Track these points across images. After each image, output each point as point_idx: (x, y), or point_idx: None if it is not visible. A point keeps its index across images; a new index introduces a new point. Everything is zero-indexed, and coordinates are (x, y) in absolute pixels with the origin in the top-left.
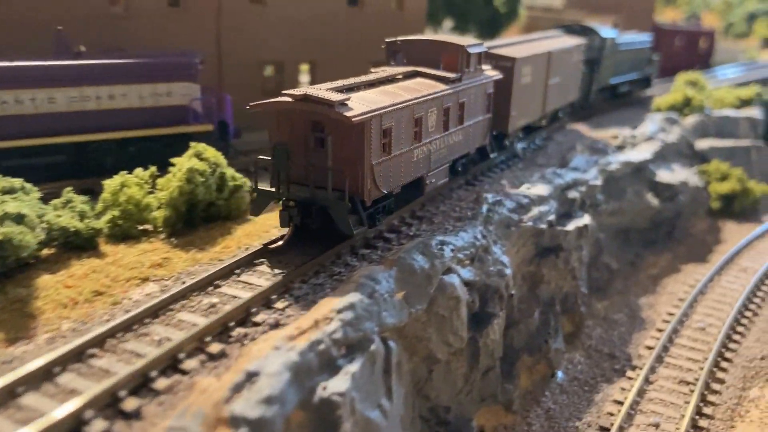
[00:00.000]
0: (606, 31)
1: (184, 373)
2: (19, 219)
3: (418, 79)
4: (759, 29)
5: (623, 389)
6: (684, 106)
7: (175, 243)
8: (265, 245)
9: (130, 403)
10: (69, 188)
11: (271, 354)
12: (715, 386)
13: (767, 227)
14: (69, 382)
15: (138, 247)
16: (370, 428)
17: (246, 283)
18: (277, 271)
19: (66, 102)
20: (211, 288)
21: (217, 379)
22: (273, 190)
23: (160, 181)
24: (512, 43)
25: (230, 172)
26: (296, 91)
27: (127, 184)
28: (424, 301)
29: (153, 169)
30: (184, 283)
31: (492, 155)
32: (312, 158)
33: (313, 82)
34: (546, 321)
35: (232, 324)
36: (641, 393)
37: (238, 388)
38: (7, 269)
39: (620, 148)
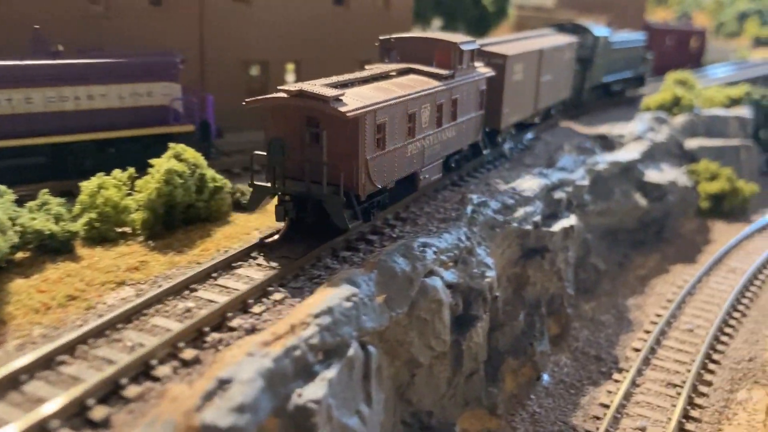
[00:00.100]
0: (599, 29)
1: (155, 380)
2: None
3: (412, 76)
4: (750, 28)
5: (609, 392)
6: (673, 106)
7: (153, 246)
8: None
9: (98, 412)
10: (45, 190)
11: (244, 360)
12: (703, 389)
13: (756, 227)
14: (36, 391)
15: (115, 250)
16: None
17: (223, 286)
18: (255, 274)
19: (43, 102)
20: (187, 292)
21: (189, 386)
22: (269, 185)
23: (138, 182)
24: (504, 41)
25: (210, 173)
26: (291, 87)
27: (104, 186)
28: (405, 305)
29: (131, 170)
30: (160, 286)
31: (485, 152)
32: (307, 153)
33: (298, 80)
34: (531, 323)
35: (207, 329)
36: (628, 396)
37: (209, 396)
38: None
39: (604, 138)
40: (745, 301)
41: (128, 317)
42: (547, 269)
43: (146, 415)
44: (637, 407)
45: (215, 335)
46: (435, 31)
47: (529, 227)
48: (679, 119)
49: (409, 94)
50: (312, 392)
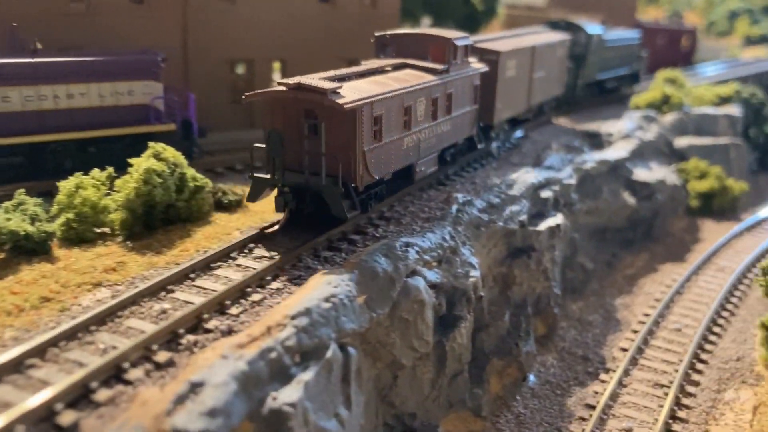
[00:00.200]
0: (592, 27)
1: (127, 383)
2: None
3: (407, 71)
4: (740, 27)
5: (596, 393)
6: (663, 104)
7: (131, 246)
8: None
9: (66, 417)
10: (21, 190)
11: (217, 363)
12: (690, 389)
13: (745, 225)
14: (4, 395)
15: (93, 251)
16: None
17: (200, 287)
18: (232, 275)
19: (21, 101)
20: (163, 293)
21: (160, 390)
22: (268, 176)
23: (117, 182)
24: (498, 38)
25: (191, 172)
26: (290, 80)
27: (82, 186)
28: (386, 305)
29: (110, 170)
30: (136, 288)
31: (479, 146)
32: (306, 145)
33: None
34: (517, 323)
35: (182, 331)
36: (614, 397)
37: (180, 400)
38: None
39: (592, 136)
40: (733, 300)
41: (102, 319)
42: (534, 269)
43: (116, 420)
44: (624, 408)
45: (190, 337)
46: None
47: (515, 226)
48: (669, 117)
49: (404, 88)
50: (287, 395)
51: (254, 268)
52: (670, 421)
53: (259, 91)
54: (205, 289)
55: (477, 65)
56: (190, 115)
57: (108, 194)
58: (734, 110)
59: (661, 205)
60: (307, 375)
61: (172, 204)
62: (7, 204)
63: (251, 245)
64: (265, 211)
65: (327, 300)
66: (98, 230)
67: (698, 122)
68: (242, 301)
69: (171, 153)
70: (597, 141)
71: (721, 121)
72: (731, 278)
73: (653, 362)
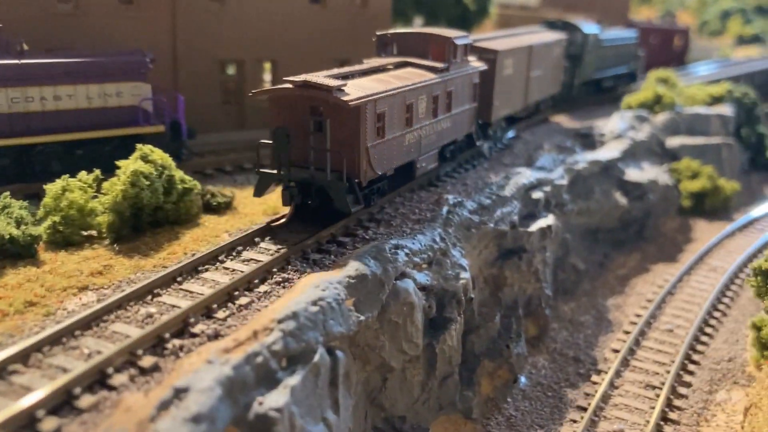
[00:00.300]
0: (588, 27)
1: (111, 389)
2: None
3: (408, 69)
4: (732, 27)
5: (587, 394)
6: (655, 104)
7: (118, 249)
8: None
9: (48, 424)
10: (6, 193)
11: (202, 368)
12: (682, 390)
13: (737, 225)
14: None
15: (80, 254)
16: None
17: (187, 291)
18: (220, 278)
19: (7, 103)
20: (150, 297)
21: (144, 395)
22: (274, 172)
23: (105, 184)
24: (495, 37)
25: (179, 174)
26: (296, 78)
27: (69, 189)
28: (375, 308)
29: (97, 172)
30: (123, 291)
31: (478, 143)
32: (311, 141)
33: (274, 80)
34: (508, 325)
35: (167, 336)
36: (606, 398)
37: (164, 406)
38: None
39: (584, 136)
40: (725, 300)
41: (87, 323)
42: (525, 270)
43: (98, 427)
44: (615, 410)
45: (176, 342)
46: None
47: (505, 228)
48: (661, 117)
49: (406, 86)
50: (274, 400)
51: (242, 271)
52: (662, 423)
53: (265, 88)
54: (191, 292)
55: (476, 64)
56: (179, 116)
57: (95, 197)
58: (726, 110)
59: (653, 205)
60: (294, 379)
61: (160, 206)
62: None
63: (239, 247)
64: (254, 213)
65: (315, 303)
66: (85, 233)
67: (690, 122)
68: (229, 304)
69: (159, 155)
70: (589, 141)
71: (713, 121)
72: (723, 278)
73: (645, 363)
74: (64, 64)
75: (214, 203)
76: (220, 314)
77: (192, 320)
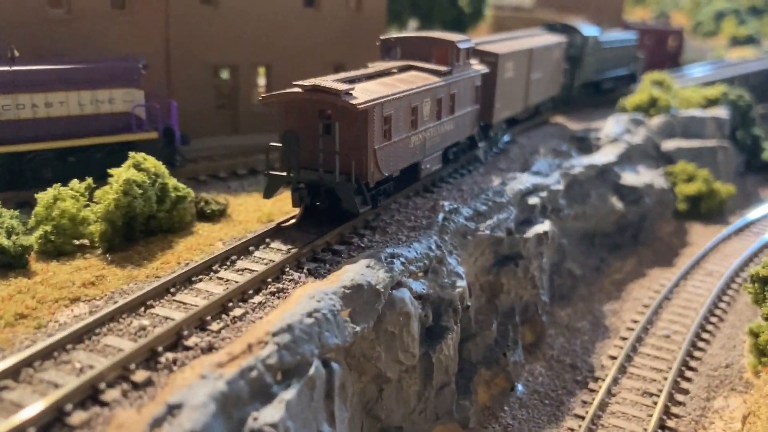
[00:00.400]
0: (588, 29)
1: (103, 405)
2: None
3: (412, 72)
4: (726, 28)
5: (585, 402)
6: (650, 107)
7: (111, 259)
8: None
9: None
10: None
11: (196, 384)
12: (679, 397)
13: (733, 229)
14: None
15: (72, 264)
16: None
17: (180, 302)
18: (214, 288)
19: None
20: (142, 309)
21: (137, 411)
22: (284, 174)
23: (97, 193)
24: (496, 40)
25: (172, 182)
26: (305, 83)
27: (61, 197)
28: (371, 319)
29: (89, 180)
30: (115, 303)
31: (480, 144)
32: (320, 144)
33: (269, 85)
34: (505, 332)
35: (160, 349)
36: (603, 406)
37: (157, 423)
38: None
39: (581, 140)
40: (722, 305)
41: (79, 337)
42: (521, 277)
43: None
44: (613, 418)
45: (170, 355)
46: (412, 31)
47: (502, 234)
48: (656, 120)
49: (411, 89)
50: (269, 415)
51: (236, 281)
52: (659, 431)
53: (275, 93)
54: (185, 303)
55: (478, 67)
56: (172, 122)
57: (87, 205)
58: (721, 112)
59: (649, 209)
60: (289, 393)
61: (153, 215)
62: None
63: (233, 257)
64: (249, 221)
65: (310, 315)
66: (77, 242)
67: (686, 125)
68: (223, 316)
69: (152, 163)
70: (585, 145)
71: (708, 124)
72: (719, 283)
73: (642, 370)
74: (56, 70)
75: (208, 211)
76: (214, 326)
77: (185, 333)
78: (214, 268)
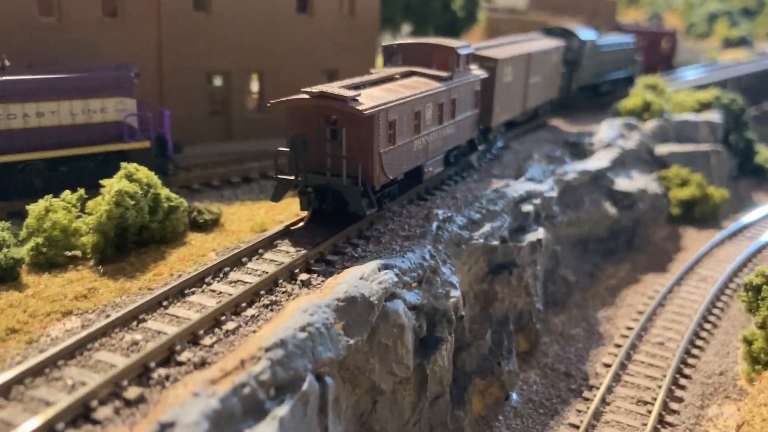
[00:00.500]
0: (585, 33)
1: (95, 423)
2: None
3: (414, 78)
4: (719, 29)
5: (579, 411)
6: (643, 111)
7: (103, 271)
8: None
9: None
10: None
11: (188, 401)
12: (674, 405)
13: (727, 234)
14: None
15: (64, 277)
16: None
17: (174, 316)
18: (207, 301)
19: None
20: (135, 323)
21: (129, 430)
22: (292, 178)
23: (89, 203)
24: (495, 45)
25: (165, 192)
26: (312, 89)
27: (52, 209)
28: (365, 331)
29: (81, 191)
30: (108, 316)
31: (480, 147)
32: (327, 149)
33: (262, 91)
34: (499, 341)
35: (153, 365)
36: (598, 415)
37: None
38: None
39: (574, 145)
40: (716, 311)
41: (71, 352)
42: (515, 285)
43: None
44: (607, 427)
45: (162, 371)
46: (404, 37)
47: (496, 242)
48: (650, 125)
49: (414, 95)
50: None
51: (230, 294)
52: None
53: (283, 99)
54: (178, 317)
55: (477, 72)
56: (165, 131)
57: (79, 216)
58: (714, 116)
59: (643, 214)
60: (283, 409)
61: (145, 225)
62: None
63: (226, 269)
64: (242, 230)
65: (303, 329)
66: (69, 254)
67: (679, 129)
68: (216, 330)
69: (144, 173)
70: (579, 150)
71: (701, 128)
72: (713, 289)
73: (636, 378)
74: (47, 80)
75: (201, 220)
76: (207, 340)
77: (178, 348)
78: (207, 280)
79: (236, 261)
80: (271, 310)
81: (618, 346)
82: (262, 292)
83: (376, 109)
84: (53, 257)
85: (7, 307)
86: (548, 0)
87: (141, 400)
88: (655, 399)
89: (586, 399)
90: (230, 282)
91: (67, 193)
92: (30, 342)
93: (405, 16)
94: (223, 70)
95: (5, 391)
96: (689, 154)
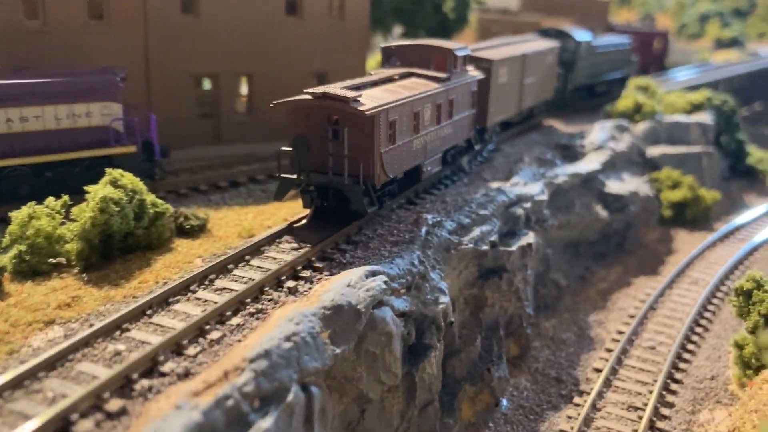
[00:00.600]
0: (581, 34)
1: None
2: None
3: (413, 79)
4: (711, 30)
5: (570, 417)
6: (635, 113)
7: (87, 279)
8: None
9: None
10: None
11: (170, 414)
12: (664, 411)
13: (718, 236)
14: None
15: (47, 285)
16: None
17: (157, 325)
18: (191, 310)
19: None
20: (118, 332)
21: None
22: (294, 177)
23: (74, 209)
24: (491, 46)
25: (150, 198)
26: (315, 90)
27: (36, 216)
28: (352, 340)
29: (65, 198)
30: (91, 326)
31: (476, 146)
32: (329, 148)
33: (251, 94)
34: (489, 347)
35: (135, 376)
36: (588, 421)
37: None
38: None
39: (565, 148)
40: (707, 315)
41: (52, 364)
42: (505, 289)
43: None
44: None
45: (145, 382)
46: (396, 39)
47: (486, 247)
48: (641, 126)
49: (413, 95)
50: None
51: (214, 302)
52: None
53: (286, 99)
54: (162, 326)
55: (474, 73)
56: (152, 135)
57: (63, 223)
58: (706, 118)
59: (634, 216)
60: (267, 421)
61: (130, 232)
62: None
63: (212, 276)
64: (229, 236)
65: (288, 339)
66: (53, 261)
67: (670, 130)
68: (200, 339)
69: (129, 179)
70: (570, 152)
71: (693, 129)
72: (705, 292)
73: (627, 383)
74: (31, 84)
75: (188, 226)
76: (191, 350)
77: (161, 358)
78: (192, 288)
79: (222, 268)
80: (257, 319)
81: (609, 350)
82: (248, 300)
83: (377, 109)
84: (36, 265)
85: None
86: (541, 1)
87: (123, 412)
88: (646, 404)
89: (577, 405)
90: (216, 290)
91: (51, 200)
92: (11, 353)
93: (395, 17)
94: (212, 73)
95: None
96: (681, 156)
